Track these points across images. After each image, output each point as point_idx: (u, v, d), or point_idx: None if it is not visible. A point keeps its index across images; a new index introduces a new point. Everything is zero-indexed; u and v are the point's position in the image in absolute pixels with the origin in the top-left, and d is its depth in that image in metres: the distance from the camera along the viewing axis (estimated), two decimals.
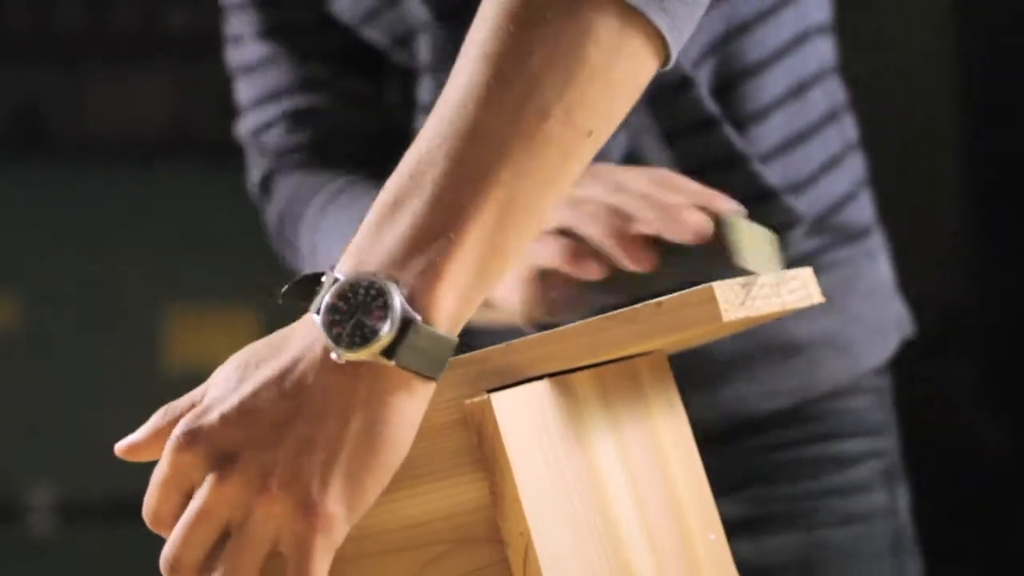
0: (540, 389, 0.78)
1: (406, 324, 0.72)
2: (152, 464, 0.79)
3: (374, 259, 0.74)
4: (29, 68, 2.77)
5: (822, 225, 1.15)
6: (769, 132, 1.13)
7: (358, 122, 1.20)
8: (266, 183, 1.22)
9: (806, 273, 0.88)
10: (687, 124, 1.09)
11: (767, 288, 0.83)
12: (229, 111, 1.27)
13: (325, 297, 0.74)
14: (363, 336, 0.72)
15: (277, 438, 0.73)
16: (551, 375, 0.79)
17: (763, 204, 1.08)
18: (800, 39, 1.14)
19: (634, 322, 0.78)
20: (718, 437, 1.11)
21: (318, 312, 0.74)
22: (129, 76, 2.77)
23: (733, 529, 1.01)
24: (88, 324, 2.73)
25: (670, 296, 0.78)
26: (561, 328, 0.78)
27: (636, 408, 0.85)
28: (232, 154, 1.33)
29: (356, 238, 0.75)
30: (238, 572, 0.74)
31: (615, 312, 0.78)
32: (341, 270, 0.74)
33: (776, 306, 0.84)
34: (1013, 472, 2.45)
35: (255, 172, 1.23)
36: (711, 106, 1.09)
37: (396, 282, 0.73)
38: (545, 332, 0.78)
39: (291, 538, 0.73)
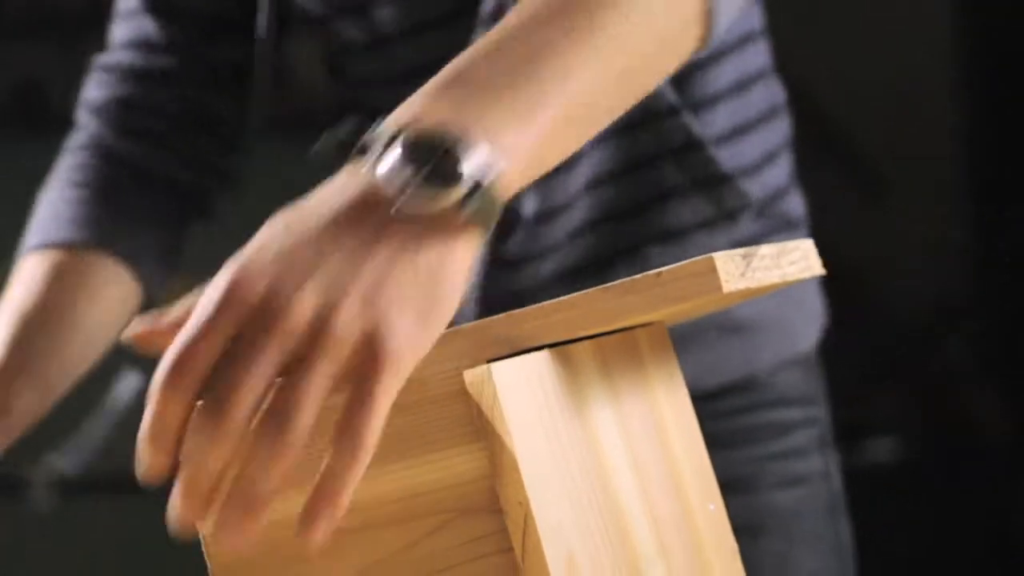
0: (540, 360, 0.78)
1: (475, 180, 0.72)
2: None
3: (445, 115, 0.73)
4: (30, 44, 2.76)
5: (764, 212, 1.22)
6: (716, 120, 1.19)
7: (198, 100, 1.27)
8: (93, 110, 1.31)
9: (807, 244, 0.88)
10: (650, 113, 1.16)
11: (768, 259, 0.83)
12: None
13: (394, 149, 0.72)
14: (435, 187, 0.71)
15: (343, 278, 0.69)
16: (551, 346, 0.79)
17: (719, 187, 1.17)
18: (744, 39, 1.22)
19: (633, 293, 0.78)
20: None
21: (376, 162, 0.72)
22: None
23: None
24: None
25: (670, 267, 0.78)
26: (561, 299, 0.78)
27: (636, 379, 0.85)
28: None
29: (426, 92, 0.75)
30: (304, 404, 0.68)
31: (615, 283, 0.78)
32: (401, 122, 0.73)
33: (776, 277, 0.84)
34: (1012, 453, 2.45)
35: (90, 95, 1.32)
36: (671, 95, 1.16)
37: (467, 139, 0.73)
38: (545, 303, 0.78)
39: (356, 375, 0.69)
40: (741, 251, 0.81)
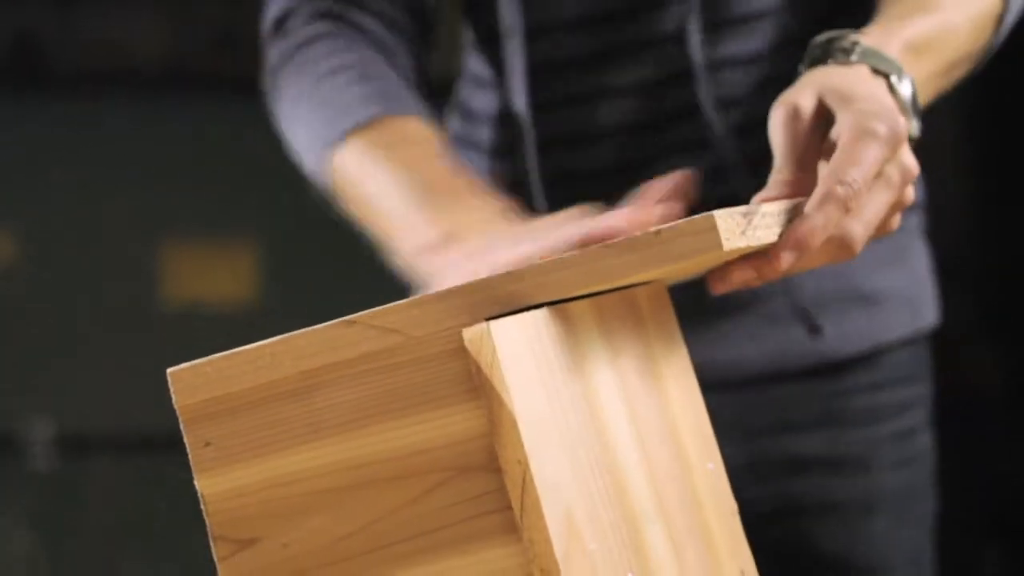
0: (539, 318, 0.78)
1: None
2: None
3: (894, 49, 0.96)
4: (24, 1, 2.76)
5: None
6: None
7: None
8: (281, 22, 1.18)
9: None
10: None
11: (769, 217, 0.83)
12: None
13: (905, 77, 0.94)
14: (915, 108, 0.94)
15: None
16: (550, 304, 0.79)
17: None
18: None
19: (633, 251, 0.78)
20: (796, 375, 1.19)
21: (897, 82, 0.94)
22: (126, 8, 2.75)
23: (805, 466, 1.16)
24: (86, 258, 2.72)
25: (669, 225, 0.78)
26: (560, 257, 0.78)
27: (635, 337, 0.85)
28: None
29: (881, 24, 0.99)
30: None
31: (614, 241, 0.78)
32: (870, 47, 0.95)
33: (776, 236, 0.84)
34: (1008, 405, 2.46)
35: (273, 7, 1.18)
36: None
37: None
38: (544, 261, 0.78)
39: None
40: (742, 209, 0.81)
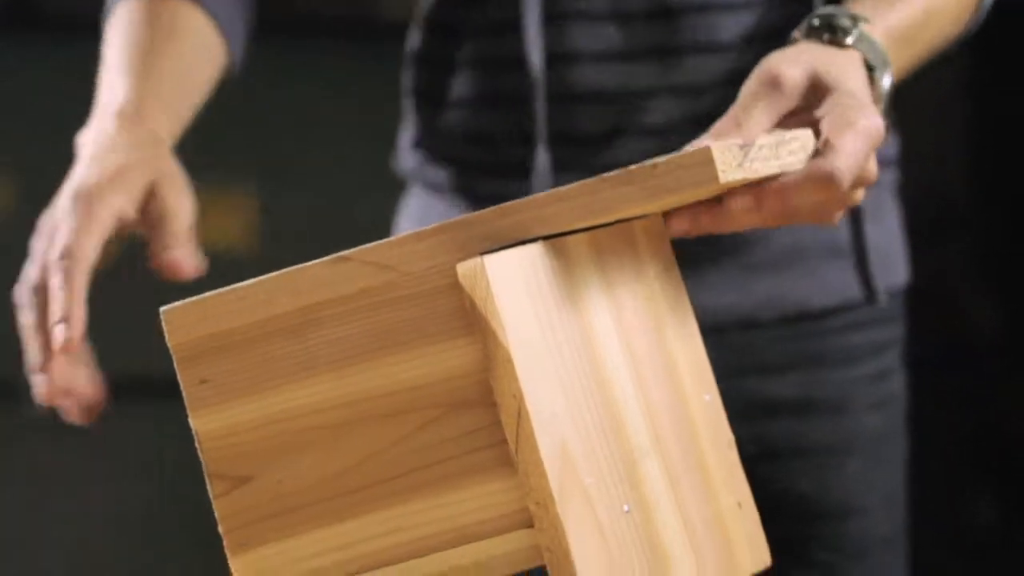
0: (534, 252, 0.78)
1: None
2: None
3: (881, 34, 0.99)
4: None
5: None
6: None
7: None
8: None
9: (806, 135, 0.87)
10: None
11: (765, 149, 0.82)
12: None
13: (888, 71, 0.97)
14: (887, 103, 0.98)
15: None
16: (545, 238, 0.78)
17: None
18: None
19: (629, 184, 0.77)
20: (775, 322, 1.19)
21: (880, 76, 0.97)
22: None
23: (781, 409, 1.17)
24: None
25: (666, 157, 0.77)
26: (555, 190, 0.77)
27: (631, 271, 0.84)
28: None
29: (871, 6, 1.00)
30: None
31: (610, 174, 0.77)
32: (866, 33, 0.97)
33: (774, 168, 0.83)
34: (1006, 352, 2.46)
35: None
36: None
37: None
38: (538, 195, 0.77)
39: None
40: (739, 141, 0.80)
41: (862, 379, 1.22)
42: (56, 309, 0.92)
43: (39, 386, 0.87)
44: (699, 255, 1.15)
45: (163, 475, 2.59)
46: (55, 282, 0.92)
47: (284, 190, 2.72)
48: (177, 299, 0.81)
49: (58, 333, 0.89)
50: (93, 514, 2.65)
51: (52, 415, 0.87)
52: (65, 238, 0.95)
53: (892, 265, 1.24)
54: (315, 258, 0.88)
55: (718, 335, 1.14)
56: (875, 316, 1.22)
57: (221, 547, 0.80)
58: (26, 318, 0.95)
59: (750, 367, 1.19)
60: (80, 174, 1.04)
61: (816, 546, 1.20)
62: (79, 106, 2.66)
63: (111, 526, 2.65)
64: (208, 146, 2.68)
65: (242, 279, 0.81)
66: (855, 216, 1.20)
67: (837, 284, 1.20)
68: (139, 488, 2.68)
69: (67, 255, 0.94)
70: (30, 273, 0.98)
